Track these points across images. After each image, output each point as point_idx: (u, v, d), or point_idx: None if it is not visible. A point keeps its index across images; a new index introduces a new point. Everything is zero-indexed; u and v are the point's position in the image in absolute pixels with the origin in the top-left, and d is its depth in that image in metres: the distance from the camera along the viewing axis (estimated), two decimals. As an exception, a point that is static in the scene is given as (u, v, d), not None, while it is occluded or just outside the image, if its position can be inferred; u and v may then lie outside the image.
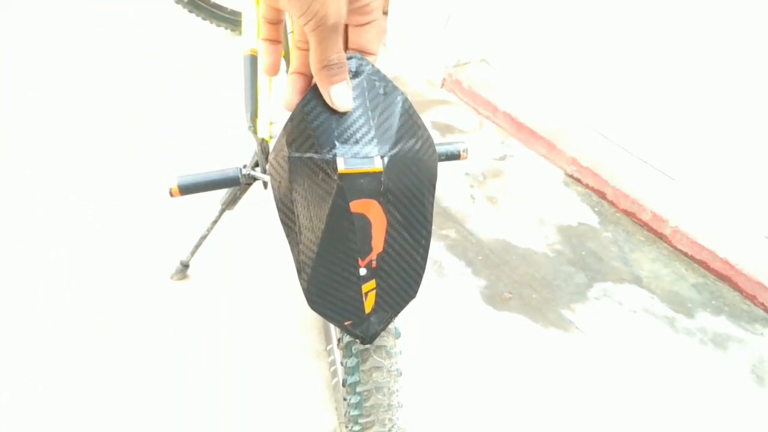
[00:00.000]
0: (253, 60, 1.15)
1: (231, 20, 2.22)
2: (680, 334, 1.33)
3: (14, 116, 1.80)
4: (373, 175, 0.39)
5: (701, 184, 1.59)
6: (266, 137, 1.10)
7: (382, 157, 0.39)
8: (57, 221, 1.45)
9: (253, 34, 1.14)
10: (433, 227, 1.54)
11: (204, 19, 2.20)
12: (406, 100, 0.42)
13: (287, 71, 0.96)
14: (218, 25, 2.23)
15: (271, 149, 1.10)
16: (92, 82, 1.98)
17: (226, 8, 2.21)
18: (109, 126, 1.79)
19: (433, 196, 0.45)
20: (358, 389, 0.83)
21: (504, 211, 1.62)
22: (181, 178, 0.86)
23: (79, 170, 1.61)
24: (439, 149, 0.83)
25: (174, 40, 2.24)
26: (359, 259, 0.44)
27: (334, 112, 0.40)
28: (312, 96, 0.40)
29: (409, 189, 0.42)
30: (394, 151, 0.40)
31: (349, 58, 0.40)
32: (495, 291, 1.39)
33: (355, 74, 0.40)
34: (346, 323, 0.50)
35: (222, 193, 1.20)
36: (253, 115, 1.12)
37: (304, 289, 0.47)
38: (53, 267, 1.33)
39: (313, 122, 0.40)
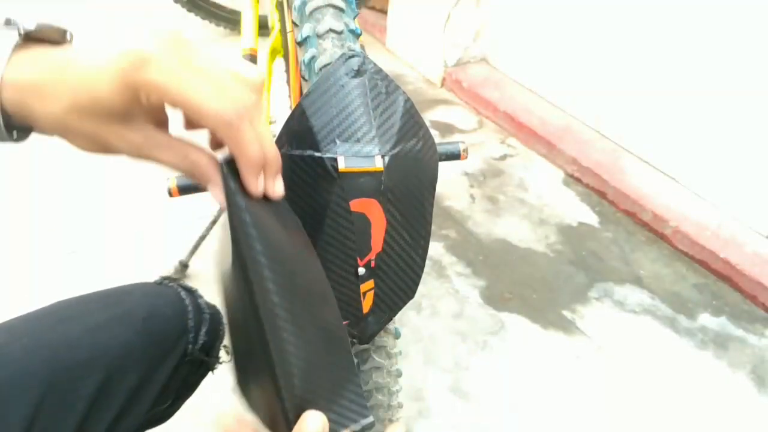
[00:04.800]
0: (252, 59, 1.15)
1: (230, 19, 2.22)
2: (681, 334, 1.33)
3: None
4: (374, 175, 0.39)
5: (702, 184, 1.59)
6: (265, 137, 1.10)
7: (382, 157, 0.39)
8: (55, 220, 1.44)
9: (252, 34, 1.14)
10: (433, 227, 1.53)
11: (203, 18, 2.19)
12: (407, 100, 0.41)
13: (285, 70, 0.96)
14: (218, 25, 2.23)
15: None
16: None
17: (226, 7, 2.21)
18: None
19: (433, 196, 0.45)
20: (358, 390, 0.83)
21: (504, 211, 1.62)
22: (180, 178, 0.85)
23: (78, 170, 1.61)
24: (439, 149, 0.82)
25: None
26: (358, 258, 0.44)
27: (335, 109, 0.39)
28: (313, 92, 0.40)
29: (409, 189, 0.42)
30: (395, 151, 0.40)
31: (351, 57, 0.40)
32: (495, 291, 1.39)
33: (357, 73, 0.40)
34: (343, 323, 0.50)
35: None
36: (253, 115, 1.11)
37: None
38: (52, 267, 1.33)
39: (314, 119, 0.39)
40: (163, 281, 0.62)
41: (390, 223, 0.42)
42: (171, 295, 0.60)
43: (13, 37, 0.35)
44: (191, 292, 0.62)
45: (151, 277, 0.64)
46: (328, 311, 0.39)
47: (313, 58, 0.46)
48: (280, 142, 0.42)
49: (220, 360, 0.65)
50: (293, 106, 0.55)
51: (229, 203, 0.35)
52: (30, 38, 0.36)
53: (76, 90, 0.34)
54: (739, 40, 1.41)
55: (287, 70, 0.93)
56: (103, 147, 0.36)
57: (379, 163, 0.39)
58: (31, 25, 0.36)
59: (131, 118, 0.35)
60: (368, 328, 0.51)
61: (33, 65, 0.35)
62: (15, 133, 0.37)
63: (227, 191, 0.35)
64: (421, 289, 1.38)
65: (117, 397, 0.52)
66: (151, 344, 0.55)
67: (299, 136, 0.40)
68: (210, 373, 0.65)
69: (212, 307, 0.63)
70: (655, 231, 1.57)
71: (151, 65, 0.32)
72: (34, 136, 0.39)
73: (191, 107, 0.33)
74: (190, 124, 0.37)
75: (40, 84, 0.34)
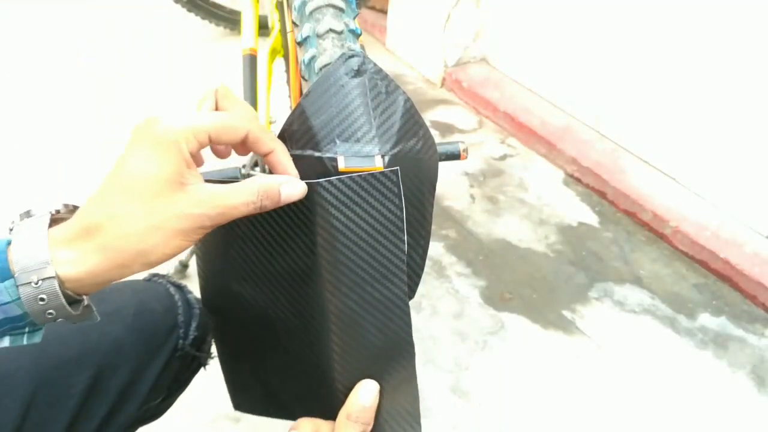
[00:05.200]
0: (252, 59, 1.14)
1: (230, 19, 2.22)
2: (681, 334, 1.33)
3: (13, 119, 1.80)
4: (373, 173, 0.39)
5: (702, 184, 1.59)
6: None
7: (382, 156, 0.39)
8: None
9: (252, 34, 1.14)
10: (433, 227, 1.53)
11: (203, 18, 2.19)
12: (408, 100, 0.41)
13: (285, 70, 0.96)
14: (217, 25, 2.23)
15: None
16: (88, 81, 1.98)
17: (225, 7, 2.21)
18: (105, 125, 1.78)
19: (433, 196, 0.45)
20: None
21: (504, 211, 1.62)
22: None
23: (78, 170, 1.61)
24: (439, 149, 0.82)
25: (172, 39, 2.24)
26: None
27: (335, 109, 0.39)
28: (313, 92, 0.40)
29: (409, 189, 0.42)
30: (394, 151, 0.39)
31: (351, 56, 0.40)
32: (495, 291, 1.39)
33: (357, 73, 0.40)
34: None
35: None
36: (253, 115, 1.11)
37: None
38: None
39: (314, 119, 0.39)
40: (152, 278, 0.62)
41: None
42: (160, 291, 0.60)
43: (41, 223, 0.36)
44: (180, 288, 0.62)
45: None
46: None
47: (313, 58, 0.46)
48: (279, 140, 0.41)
49: (212, 355, 0.65)
50: (293, 106, 0.55)
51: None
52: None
53: (129, 182, 0.35)
54: (739, 40, 1.41)
55: (287, 70, 0.93)
56: (181, 227, 0.35)
57: (378, 163, 0.39)
58: (57, 207, 0.39)
59: (184, 178, 0.36)
60: None
61: (75, 218, 0.36)
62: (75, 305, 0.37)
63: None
64: (421, 289, 1.38)
65: (108, 393, 0.52)
66: (142, 340, 0.55)
67: (299, 136, 0.40)
68: (202, 369, 0.65)
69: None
70: (655, 231, 1.57)
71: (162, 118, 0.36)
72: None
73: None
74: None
75: (98, 220, 0.35)
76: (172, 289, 0.61)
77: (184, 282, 0.64)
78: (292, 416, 0.43)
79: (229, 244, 0.45)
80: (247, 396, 0.53)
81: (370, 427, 0.40)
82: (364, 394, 0.39)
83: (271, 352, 0.47)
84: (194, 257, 1.30)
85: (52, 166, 1.62)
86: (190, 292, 0.63)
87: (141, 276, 0.62)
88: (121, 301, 0.57)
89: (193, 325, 0.60)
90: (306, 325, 0.43)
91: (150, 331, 0.56)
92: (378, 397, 0.40)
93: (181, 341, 0.59)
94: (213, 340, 0.51)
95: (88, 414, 0.51)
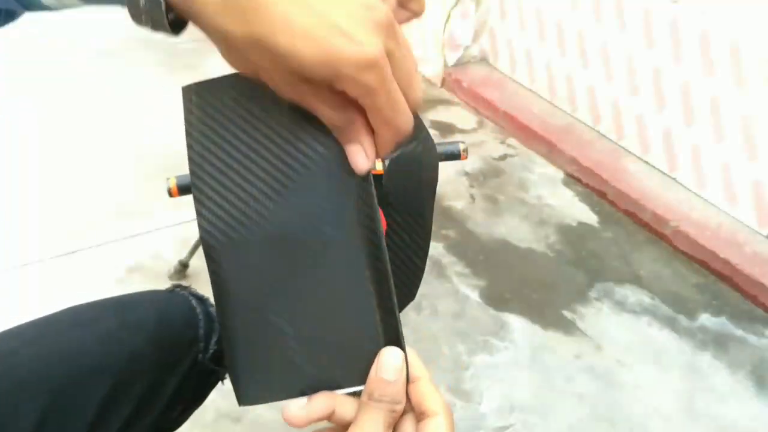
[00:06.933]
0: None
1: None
2: (681, 334, 1.33)
3: (17, 117, 1.80)
4: (374, 178, 0.39)
5: (702, 184, 1.59)
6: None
7: (383, 160, 0.39)
8: (55, 219, 1.44)
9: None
10: (433, 227, 1.53)
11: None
12: None
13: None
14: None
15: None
16: (90, 80, 1.98)
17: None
18: (106, 125, 1.78)
19: (433, 199, 0.45)
20: (358, 391, 0.83)
21: (504, 211, 1.62)
22: (180, 177, 0.85)
23: (78, 171, 1.61)
24: (439, 149, 0.82)
25: (172, 40, 2.24)
26: None
27: None
28: None
29: (409, 192, 0.42)
30: (394, 154, 0.40)
31: None
32: (495, 291, 1.39)
33: None
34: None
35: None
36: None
37: None
38: (50, 267, 1.33)
39: None
40: (174, 289, 0.62)
41: (390, 226, 0.42)
42: (181, 304, 0.60)
43: None
44: (202, 301, 0.61)
45: (151, 277, 0.64)
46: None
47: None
48: None
49: None
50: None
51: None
52: None
53: None
54: (738, 41, 1.41)
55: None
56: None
57: (379, 167, 0.39)
58: None
59: None
60: None
61: None
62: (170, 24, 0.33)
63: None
64: (421, 289, 1.37)
65: (126, 404, 0.52)
66: (161, 352, 0.55)
67: None
68: (220, 383, 0.65)
69: None
70: (655, 231, 1.57)
71: None
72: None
73: None
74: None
75: None
76: (194, 302, 0.60)
77: (186, 283, 0.64)
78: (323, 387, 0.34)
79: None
80: (259, 374, 0.37)
81: (401, 406, 0.32)
82: (385, 367, 0.32)
83: (300, 289, 0.35)
84: (194, 257, 1.30)
85: (51, 167, 1.62)
86: (212, 305, 0.63)
87: (163, 286, 0.62)
88: (142, 312, 0.56)
89: (213, 339, 0.60)
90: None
91: (170, 343, 0.56)
92: (405, 366, 0.32)
93: (200, 355, 0.58)
94: (212, 288, 0.38)
95: (105, 424, 0.51)
